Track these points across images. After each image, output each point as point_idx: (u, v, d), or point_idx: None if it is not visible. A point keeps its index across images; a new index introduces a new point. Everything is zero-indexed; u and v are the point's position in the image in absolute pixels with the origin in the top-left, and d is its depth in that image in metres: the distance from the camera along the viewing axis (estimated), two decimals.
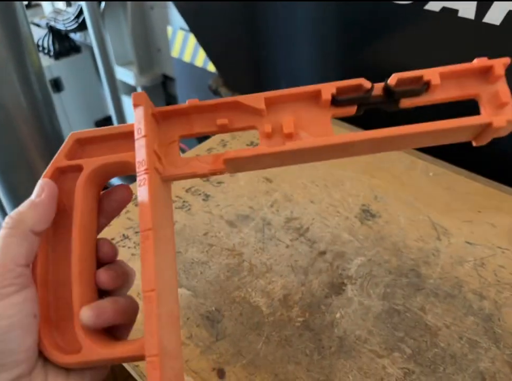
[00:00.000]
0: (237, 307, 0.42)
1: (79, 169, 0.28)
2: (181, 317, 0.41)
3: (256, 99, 0.28)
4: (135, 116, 0.28)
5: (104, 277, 0.26)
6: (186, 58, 1.28)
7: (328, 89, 0.28)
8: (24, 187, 0.84)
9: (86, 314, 0.24)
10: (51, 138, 0.82)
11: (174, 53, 1.32)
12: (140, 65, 1.48)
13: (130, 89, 1.60)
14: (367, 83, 0.28)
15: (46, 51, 1.76)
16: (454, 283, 0.43)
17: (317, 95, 0.29)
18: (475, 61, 0.28)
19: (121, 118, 1.60)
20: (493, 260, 0.45)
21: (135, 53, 1.45)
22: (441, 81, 0.28)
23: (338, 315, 0.41)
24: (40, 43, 1.74)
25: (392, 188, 0.55)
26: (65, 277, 0.26)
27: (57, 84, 1.75)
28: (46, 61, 1.71)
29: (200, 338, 0.39)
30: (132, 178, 0.30)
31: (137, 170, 0.26)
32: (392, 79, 0.28)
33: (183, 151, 0.76)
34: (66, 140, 0.29)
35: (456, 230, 0.49)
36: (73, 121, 1.88)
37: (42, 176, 0.27)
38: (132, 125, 0.28)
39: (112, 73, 1.48)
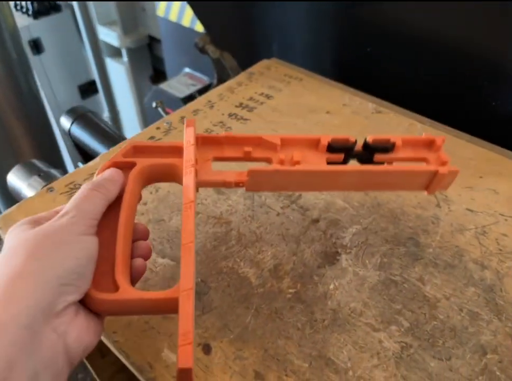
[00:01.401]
0: (224, 278, 0.39)
1: (132, 166, 0.35)
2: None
3: (274, 138, 0.39)
4: (185, 133, 0.37)
5: (145, 248, 0.34)
6: (173, 17, 1.21)
7: (325, 138, 0.39)
8: None
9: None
10: (27, 98, 0.77)
11: (160, 11, 1.25)
12: (124, 25, 1.40)
13: (115, 51, 1.52)
14: (352, 138, 0.39)
15: (24, 10, 1.66)
16: (454, 252, 0.41)
17: (317, 142, 0.39)
18: (423, 135, 0.41)
19: (106, 82, 1.53)
20: (495, 228, 0.43)
21: (118, 12, 1.37)
22: (402, 144, 0.39)
23: (331, 286, 0.38)
24: (18, 1, 1.64)
25: None
26: (108, 241, 0.31)
27: (37, 46, 1.67)
28: (24, 20, 1.61)
29: None
30: None
31: (184, 164, 0.35)
32: (370, 138, 0.39)
33: (167, 114, 0.71)
34: (125, 145, 0.37)
35: (456, 197, 0.46)
36: (55, 85, 1.80)
37: (102, 169, 0.35)
38: (178, 142, 0.37)
39: (95, 33, 1.40)
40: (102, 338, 0.36)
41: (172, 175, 0.36)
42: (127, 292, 0.28)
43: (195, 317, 0.36)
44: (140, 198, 0.37)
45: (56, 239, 0.27)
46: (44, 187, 0.50)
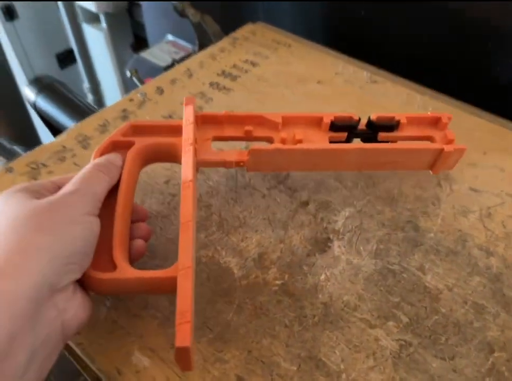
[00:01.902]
0: (203, 269, 0.35)
1: (130, 145, 0.35)
2: None
3: (275, 116, 0.38)
4: (184, 111, 0.37)
5: (144, 229, 0.33)
6: None
7: (328, 116, 0.38)
8: None
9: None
10: None
11: None
12: None
13: (92, 17, 1.43)
14: (356, 116, 0.38)
15: None
16: (457, 237, 0.37)
17: (319, 121, 0.39)
18: (429, 113, 0.40)
19: (84, 50, 1.45)
20: (501, 210, 0.39)
21: None
22: (407, 122, 0.39)
23: (322, 277, 0.35)
24: None
25: None
26: (105, 222, 0.30)
27: (10, 12, 1.56)
28: None
29: (158, 307, 0.33)
30: None
31: (183, 143, 0.34)
32: (374, 116, 0.38)
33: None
34: (123, 125, 0.36)
35: (458, 175, 0.42)
36: (31, 54, 1.70)
37: (100, 148, 0.34)
38: (177, 121, 0.37)
39: None
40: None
41: (171, 155, 0.36)
42: (125, 271, 0.28)
43: (169, 314, 0.32)
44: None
45: (66, 217, 0.27)
46: (4, 164, 0.45)
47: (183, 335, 0.24)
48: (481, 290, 0.34)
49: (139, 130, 0.37)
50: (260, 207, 0.39)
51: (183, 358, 0.25)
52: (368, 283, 0.34)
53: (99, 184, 0.31)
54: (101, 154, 0.34)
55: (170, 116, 0.48)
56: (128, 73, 0.59)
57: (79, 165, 0.43)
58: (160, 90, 0.51)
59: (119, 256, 0.29)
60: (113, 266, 0.29)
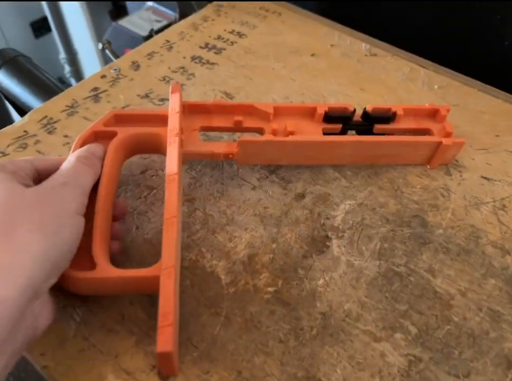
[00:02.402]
0: (186, 275, 0.31)
1: (113, 135, 0.33)
2: None
3: (266, 106, 0.36)
4: (170, 99, 0.35)
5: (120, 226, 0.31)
6: None
7: (322, 107, 0.36)
8: None
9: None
10: None
11: None
12: None
13: None
14: (351, 107, 0.36)
15: None
16: (469, 233, 0.33)
17: (313, 111, 0.37)
18: (427, 105, 0.38)
19: (58, 18, 1.35)
20: None
21: None
22: (404, 114, 0.37)
23: (320, 282, 0.31)
24: None
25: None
26: (86, 218, 0.27)
27: None
28: None
29: (135, 321, 0.29)
30: None
31: (168, 134, 0.32)
32: (369, 107, 0.36)
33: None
34: (105, 114, 0.34)
35: (469, 162, 0.38)
36: (3, 22, 1.59)
37: (81, 139, 0.32)
38: (163, 110, 0.34)
39: None
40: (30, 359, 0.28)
41: (156, 146, 0.34)
42: (106, 270, 0.27)
43: (147, 329, 0.29)
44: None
45: (57, 214, 0.25)
46: None
47: (165, 339, 0.23)
48: (497, 294, 0.30)
49: (122, 119, 0.34)
50: (250, 200, 0.35)
51: (166, 363, 0.24)
52: (371, 289, 0.30)
53: (85, 178, 0.28)
54: (82, 145, 0.32)
55: (147, 95, 0.43)
56: (100, 45, 0.53)
57: (43, 153, 0.38)
58: (136, 65, 0.46)
59: (99, 254, 0.27)
60: (92, 265, 0.27)
